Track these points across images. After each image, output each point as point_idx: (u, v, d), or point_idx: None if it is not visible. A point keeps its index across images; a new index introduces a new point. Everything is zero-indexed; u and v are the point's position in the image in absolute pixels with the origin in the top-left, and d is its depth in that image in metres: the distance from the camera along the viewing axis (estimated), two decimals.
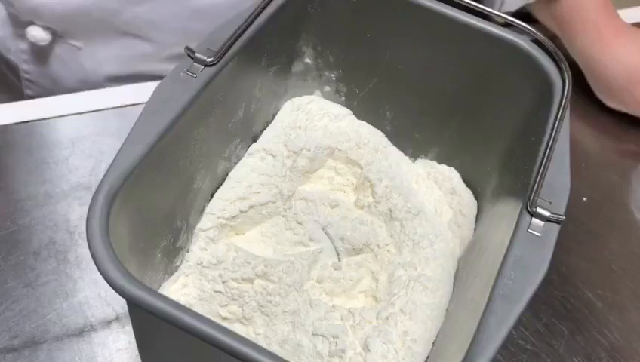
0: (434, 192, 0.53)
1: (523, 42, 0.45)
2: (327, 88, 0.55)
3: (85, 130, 0.59)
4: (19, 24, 0.67)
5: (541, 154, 0.39)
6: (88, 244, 0.32)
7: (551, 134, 0.40)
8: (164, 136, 0.37)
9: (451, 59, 0.48)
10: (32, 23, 0.66)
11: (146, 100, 0.38)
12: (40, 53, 0.70)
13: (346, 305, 0.45)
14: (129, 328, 0.48)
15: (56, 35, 0.68)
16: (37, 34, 0.67)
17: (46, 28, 0.67)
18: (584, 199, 0.60)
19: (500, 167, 0.48)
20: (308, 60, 0.53)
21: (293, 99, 0.54)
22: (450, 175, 0.53)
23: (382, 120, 0.54)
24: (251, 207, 0.47)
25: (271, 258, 0.45)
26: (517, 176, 0.42)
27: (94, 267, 0.31)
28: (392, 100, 0.53)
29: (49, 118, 0.60)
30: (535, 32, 0.44)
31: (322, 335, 0.42)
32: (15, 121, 0.59)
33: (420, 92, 0.51)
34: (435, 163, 0.54)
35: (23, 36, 0.68)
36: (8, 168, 0.56)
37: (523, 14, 0.74)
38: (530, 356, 0.50)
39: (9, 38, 0.70)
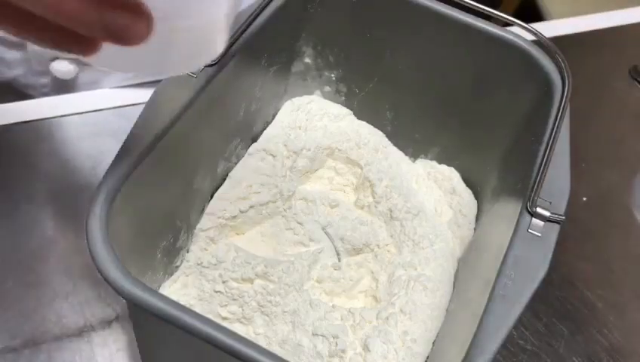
0: (434, 192, 0.53)
1: (523, 42, 0.45)
2: (327, 88, 0.55)
3: (85, 130, 0.59)
4: (41, 62, 0.64)
5: (541, 154, 0.39)
6: (88, 244, 0.32)
7: (551, 134, 0.40)
8: (164, 136, 0.37)
9: (451, 59, 0.48)
10: (56, 58, 0.63)
11: (146, 100, 0.38)
12: (63, 84, 0.67)
13: (346, 305, 0.45)
14: (129, 328, 0.48)
15: (82, 64, 0.65)
16: (62, 68, 0.64)
17: (72, 60, 0.63)
18: (584, 199, 0.60)
19: (500, 167, 0.48)
20: (308, 60, 0.53)
21: (293, 99, 0.54)
22: (450, 175, 0.53)
23: (382, 120, 0.54)
24: (251, 207, 0.47)
25: (271, 258, 0.45)
26: (517, 176, 0.42)
27: (94, 267, 0.31)
28: (392, 100, 0.53)
29: (49, 118, 0.60)
30: (535, 31, 0.44)
31: (322, 335, 0.42)
32: (15, 121, 0.59)
33: (419, 92, 0.51)
34: (435, 163, 0.54)
35: (45, 72, 0.65)
36: (8, 168, 0.56)
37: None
38: (530, 356, 0.50)
39: (28, 75, 0.67)
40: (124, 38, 0.24)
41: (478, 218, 0.51)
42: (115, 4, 0.23)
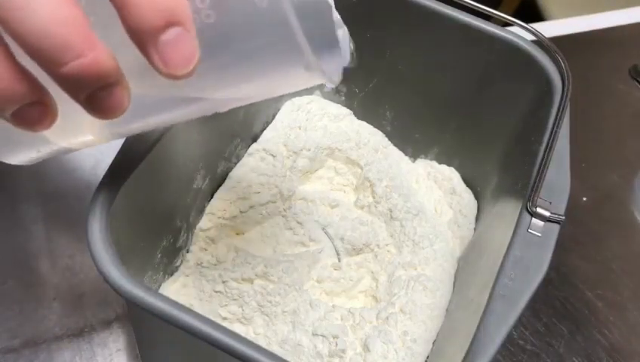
0: (434, 192, 0.53)
1: (523, 42, 0.45)
2: (327, 88, 0.55)
3: None
4: None
5: (541, 154, 0.39)
6: (88, 244, 0.32)
7: (551, 134, 0.40)
8: (164, 135, 0.37)
9: (451, 59, 0.48)
10: None
11: None
12: None
13: (346, 305, 0.45)
14: (129, 328, 0.48)
15: None
16: None
17: None
18: (584, 199, 0.60)
19: (500, 167, 0.48)
20: None
21: (293, 99, 0.54)
22: (450, 175, 0.53)
23: (382, 120, 0.54)
24: (251, 207, 0.47)
25: (271, 258, 0.45)
26: (517, 176, 0.42)
27: (95, 267, 0.31)
28: (392, 100, 0.53)
29: None
30: (535, 31, 0.44)
31: (322, 335, 0.42)
32: None
33: (420, 92, 0.51)
34: (435, 163, 0.54)
35: None
36: (8, 168, 0.56)
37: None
38: (530, 356, 0.50)
39: None
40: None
41: (478, 218, 0.51)
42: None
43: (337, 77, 0.28)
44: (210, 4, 0.24)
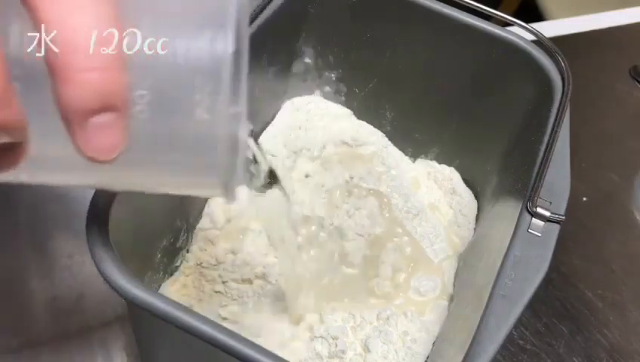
0: (434, 192, 0.53)
1: (523, 42, 0.45)
2: (327, 88, 0.55)
3: None
4: None
5: (541, 154, 0.39)
6: (88, 244, 0.32)
7: (551, 134, 0.40)
8: None
9: (451, 59, 0.48)
10: None
11: None
12: None
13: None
14: (129, 328, 0.48)
15: None
16: None
17: None
18: (584, 199, 0.60)
19: (500, 167, 0.48)
20: (308, 60, 0.53)
21: (293, 99, 0.54)
22: (450, 175, 0.53)
23: (382, 120, 0.54)
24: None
25: (270, 259, 0.45)
26: (517, 176, 0.42)
27: (95, 267, 0.31)
28: (392, 100, 0.53)
29: None
30: (535, 31, 0.44)
31: (322, 336, 0.42)
32: None
33: (420, 92, 0.51)
34: (435, 163, 0.54)
35: None
36: None
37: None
38: (530, 356, 0.50)
39: None
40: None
41: (478, 218, 0.51)
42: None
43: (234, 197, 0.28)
44: (148, 101, 0.23)
